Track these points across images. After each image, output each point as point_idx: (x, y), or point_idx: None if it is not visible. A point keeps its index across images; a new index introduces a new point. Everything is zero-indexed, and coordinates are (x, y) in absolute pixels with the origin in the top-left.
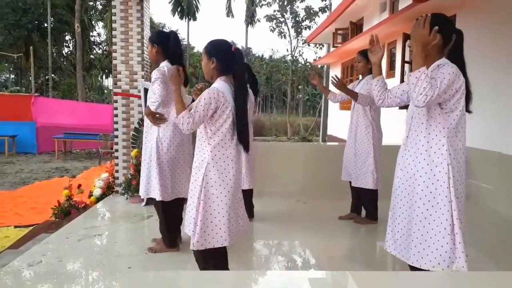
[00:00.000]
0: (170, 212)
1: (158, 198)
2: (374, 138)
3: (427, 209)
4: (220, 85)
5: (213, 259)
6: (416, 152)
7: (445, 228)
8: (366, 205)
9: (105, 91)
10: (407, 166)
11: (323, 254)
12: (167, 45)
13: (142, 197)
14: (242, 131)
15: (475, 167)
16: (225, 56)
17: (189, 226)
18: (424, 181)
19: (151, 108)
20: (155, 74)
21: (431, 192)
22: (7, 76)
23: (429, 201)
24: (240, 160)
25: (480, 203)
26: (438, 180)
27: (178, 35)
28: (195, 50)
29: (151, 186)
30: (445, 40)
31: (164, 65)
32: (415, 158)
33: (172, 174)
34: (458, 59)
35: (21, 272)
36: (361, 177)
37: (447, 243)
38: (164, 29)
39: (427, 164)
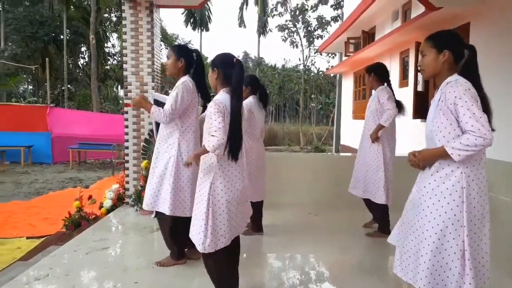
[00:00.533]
0: (180, 227)
1: (168, 212)
2: (385, 152)
3: (436, 233)
4: (222, 96)
5: (220, 260)
6: (427, 172)
7: (454, 253)
8: (377, 218)
9: (120, 101)
10: (420, 186)
11: (336, 268)
12: (191, 61)
13: (147, 210)
14: (233, 140)
15: (494, 180)
16: (227, 66)
17: (199, 231)
18: (433, 203)
19: (162, 114)
20: (180, 87)
21: (440, 215)
22: (25, 87)
23: (438, 224)
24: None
25: (499, 216)
26: (448, 203)
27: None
28: (208, 61)
29: (160, 199)
30: (455, 56)
31: (187, 79)
32: (424, 179)
33: (192, 190)
34: (472, 76)
35: (29, 286)
36: (372, 191)
37: (456, 267)
38: (178, 40)
39: (438, 186)
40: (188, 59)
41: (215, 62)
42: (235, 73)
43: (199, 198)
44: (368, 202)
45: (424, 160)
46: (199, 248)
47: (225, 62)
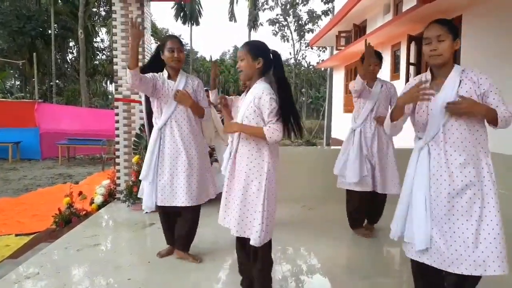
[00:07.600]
0: (171, 221)
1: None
2: (393, 144)
3: (486, 216)
4: (268, 86)
5: (269, 247)
6: (468, 166)
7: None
8: (381, 212)
9: (109, 96)
10: (450, 178)
11: (330, 261)
12: (270, 61)
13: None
14: (295, 123)
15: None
16: (269, 56)
17: (255, 225)
18: (477, 192)
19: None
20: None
21: (494, 198)
22: (12, 83)
23: (496, 204)
24: None
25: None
26: (491, 188)
27: (182, 40)
28: (198, 55)
29: (178, 193)
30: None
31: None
32: (466, 172)
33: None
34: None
35: (18, 285)
36: (389, 183)
37: (500, 242)
38: (167, 34)
39: (474, 177)
40: (267, 59)
41: (257, 51)
42: (279, 64)
43: (250, 187)
44: (372, 198)
45: (472, 107)
46: (256, 241)
47: (268, 52)
